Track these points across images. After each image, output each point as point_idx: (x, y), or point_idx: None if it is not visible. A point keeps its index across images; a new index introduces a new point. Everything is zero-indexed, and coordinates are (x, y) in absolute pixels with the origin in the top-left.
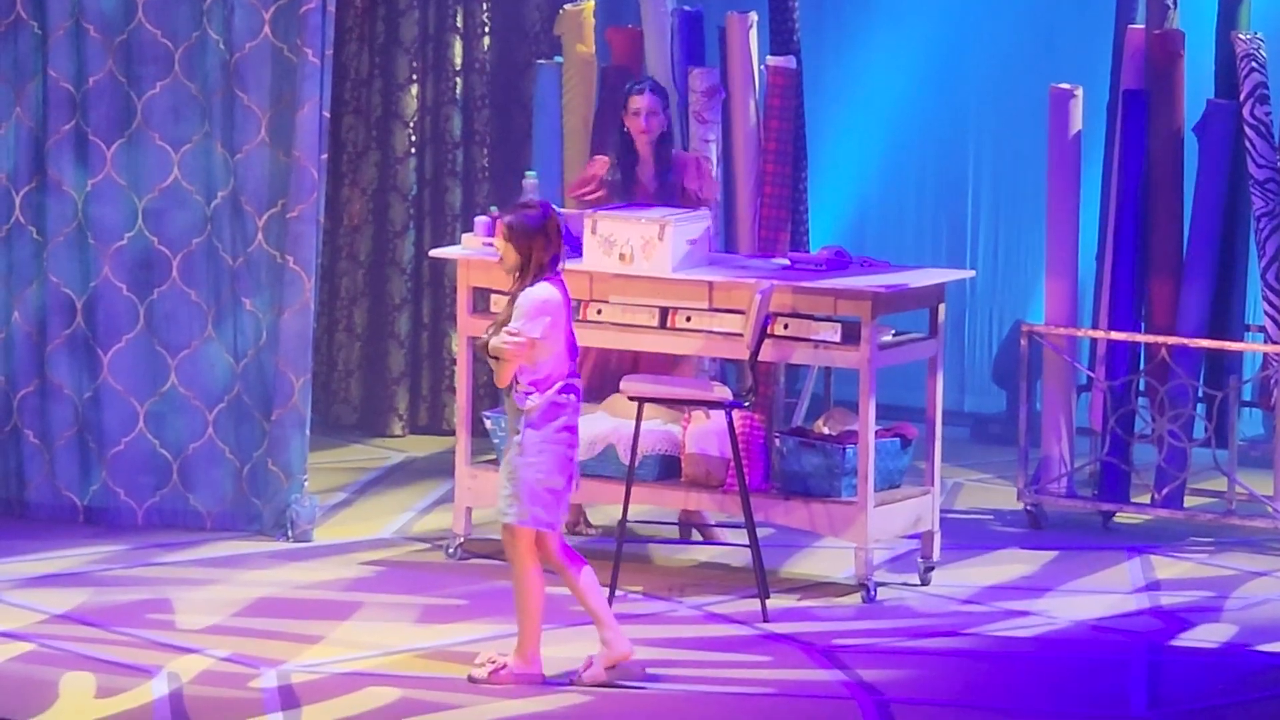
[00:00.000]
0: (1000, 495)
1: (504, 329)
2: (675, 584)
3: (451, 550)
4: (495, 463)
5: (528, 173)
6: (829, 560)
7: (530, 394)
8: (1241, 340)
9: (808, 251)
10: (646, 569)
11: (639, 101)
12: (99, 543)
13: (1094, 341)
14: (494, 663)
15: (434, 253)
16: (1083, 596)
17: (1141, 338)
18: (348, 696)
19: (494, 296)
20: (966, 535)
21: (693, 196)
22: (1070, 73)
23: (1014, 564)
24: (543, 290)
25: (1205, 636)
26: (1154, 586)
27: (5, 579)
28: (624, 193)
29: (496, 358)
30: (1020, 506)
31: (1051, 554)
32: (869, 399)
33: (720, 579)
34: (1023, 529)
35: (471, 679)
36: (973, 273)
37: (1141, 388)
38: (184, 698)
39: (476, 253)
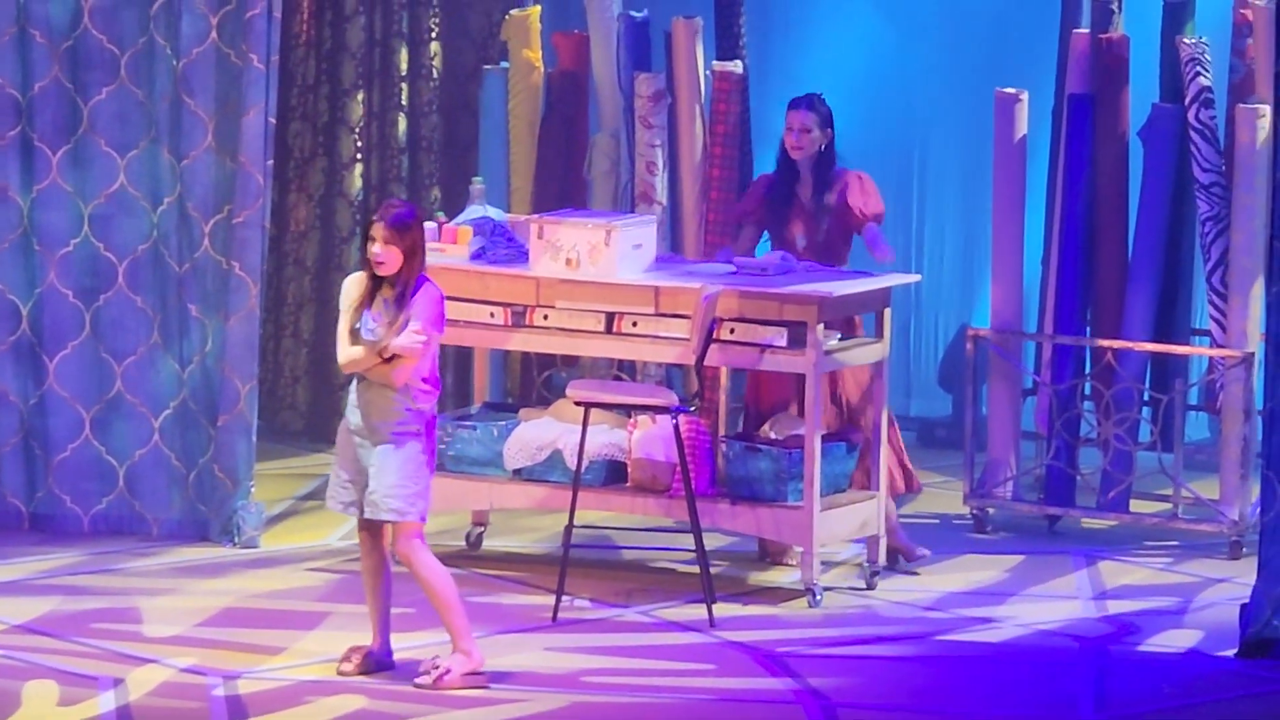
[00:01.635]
0: (946, 499)
1: (408, 329)
2: (622, 590)
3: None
4: (443, 469)
5: (474, 179)
6: (779, 566)
7: (428, 391)
8: (1187, 344)
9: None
10: (593, 574)
11: (791, 118)
12: (47, 549)
13: (1039, 345)
14: (437, 669)
15: None
16: (1032, 602)
17: (1087, 341)
18: (298, 708)
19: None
20: (913, 539)
21: (858, 214)
22: (1015, 77)
23: (961, 570)
24: (435, 290)
25: (1153, 641)
26: (1102, 592)
27: None
28: (781, 210)
29: (390, 358)
30: (966, 510)
31: (998, 558)
32: (815, 404)
33: (668, 584)
34: (969, 533)
35: (417, 685)
36: (918, 277)
37: (1087, 391)
38: (131, 708)
39: None
